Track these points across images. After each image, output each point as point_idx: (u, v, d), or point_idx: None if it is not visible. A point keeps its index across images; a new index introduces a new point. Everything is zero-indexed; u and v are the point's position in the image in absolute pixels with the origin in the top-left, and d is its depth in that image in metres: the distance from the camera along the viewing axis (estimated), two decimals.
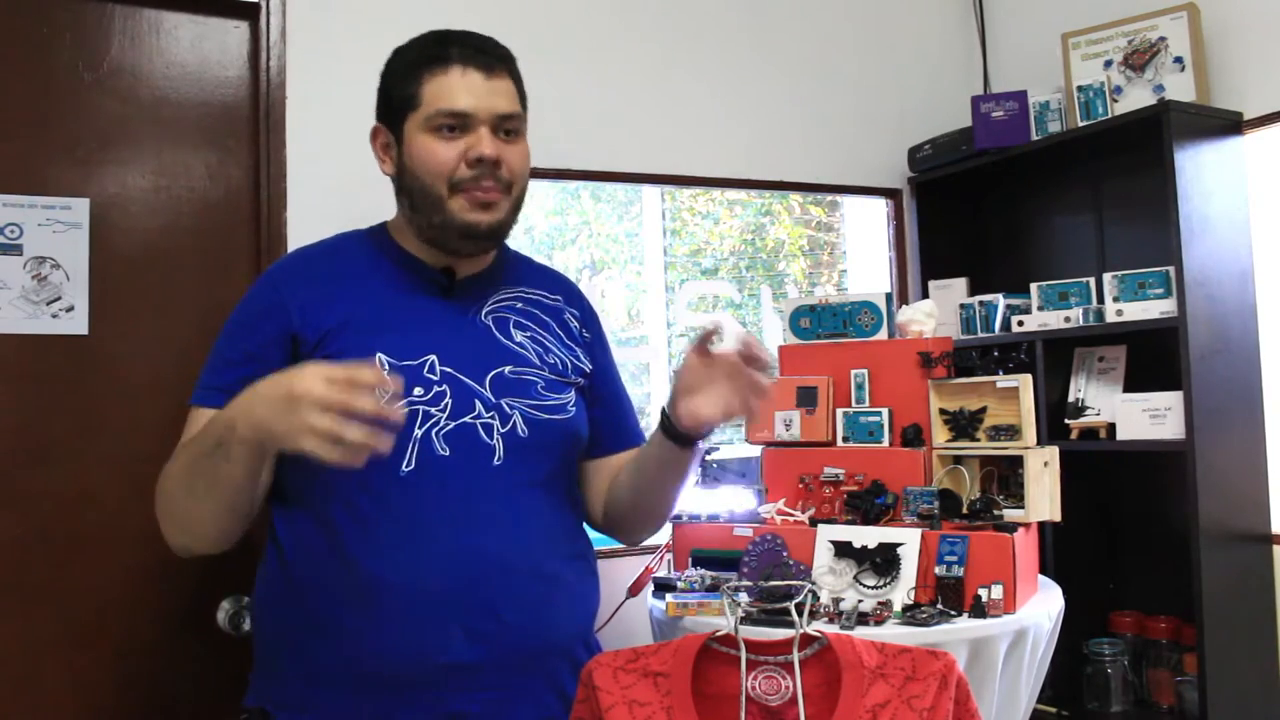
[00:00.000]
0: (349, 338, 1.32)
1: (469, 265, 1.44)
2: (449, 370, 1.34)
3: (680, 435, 1.36)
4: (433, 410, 1.32)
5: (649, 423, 3.18)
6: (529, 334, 1.45)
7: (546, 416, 1.40)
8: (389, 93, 1.40)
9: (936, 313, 1.92)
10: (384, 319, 1.35)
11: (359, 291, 1.37)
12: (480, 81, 1.35)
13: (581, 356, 1.50)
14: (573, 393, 1.46)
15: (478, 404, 1.35)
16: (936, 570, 1.64)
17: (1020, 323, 2.39)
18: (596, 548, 2.25)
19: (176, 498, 1.28)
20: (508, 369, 1.40)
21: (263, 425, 1.11)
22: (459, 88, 1.33)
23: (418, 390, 1.31)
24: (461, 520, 1.30)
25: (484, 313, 1.44)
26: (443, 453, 1.31)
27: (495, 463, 1.34)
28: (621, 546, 2.28)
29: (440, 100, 1.33)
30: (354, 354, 1.28)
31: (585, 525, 1.55)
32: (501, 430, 1.36)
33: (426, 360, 1.33)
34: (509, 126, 1.37)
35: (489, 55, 1.37)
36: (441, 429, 1.32)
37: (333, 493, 1.27)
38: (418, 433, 1.30)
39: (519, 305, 1.48)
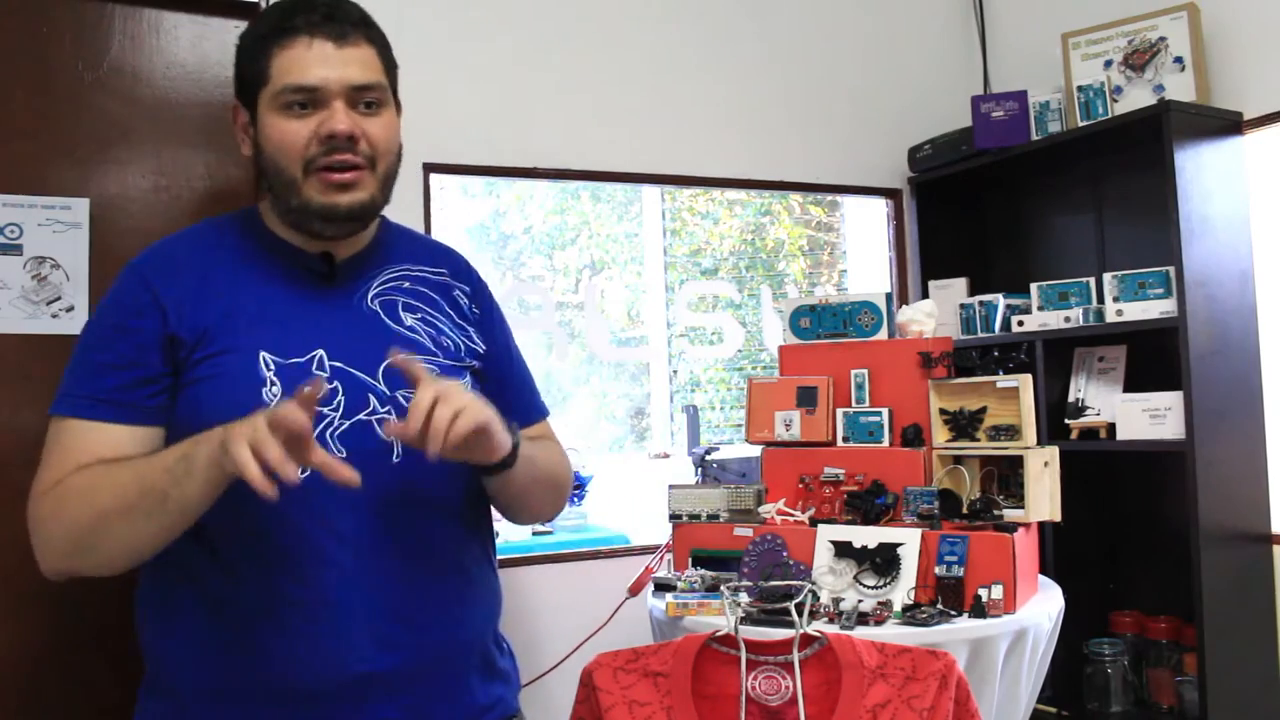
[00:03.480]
0: (228, 336, 1.23)
1: (348, 246, 1.34)
2: (339, 365, 1.25)
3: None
4: (325, 410, 1.22)
5: (649, 423, 3.19)
6: (419, 315, 1.35)
7: None
8: (240, 68, 1.28)
9: (936, 313, 1.92)
10: (264, 313, 1.25)
11: (234, 284, 1.27)
12: (331, 51, 1.23)
13: (475, 336, 1.40)
14: (468, 377, 1.35)
15: (372, 399, 1.26)
16: (936, 570, 1.64)
17: (1020, 323, 2.39)
18: (601, 548, 2.27)
19: (106, 520, 1.16)
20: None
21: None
22: (307, 60, 1.22)
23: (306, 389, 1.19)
24: (362, 525, 1.22)
25: (370, 296, 1.33)
26: (339, 454, 1.20)
27: (394, 460, 1.25)
28: (622, 546, 2.29)
29: (288, 75, 1.22)
30: (235, 353, 1.21)
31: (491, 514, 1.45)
32: None
33: (314, 356, 1.24)
34: (369, 98, 1.25)
35: (340, 22, 1.24)
36: (336, 429, 1.23)
37: (230, 505, 1.16)
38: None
39: (405, 285, 1.37)
